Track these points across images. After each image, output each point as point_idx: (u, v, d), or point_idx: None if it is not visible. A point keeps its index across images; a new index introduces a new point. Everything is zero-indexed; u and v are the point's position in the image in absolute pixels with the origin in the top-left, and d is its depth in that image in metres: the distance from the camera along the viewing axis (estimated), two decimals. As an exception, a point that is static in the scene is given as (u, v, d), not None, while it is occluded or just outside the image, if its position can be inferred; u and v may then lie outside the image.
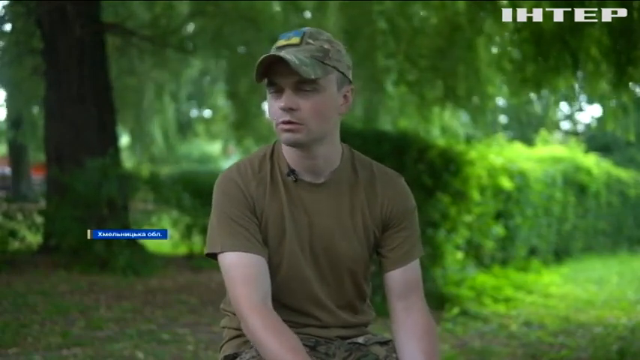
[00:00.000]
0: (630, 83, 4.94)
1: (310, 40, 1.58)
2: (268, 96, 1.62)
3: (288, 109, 1.56)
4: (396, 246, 1.71)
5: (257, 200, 1.65)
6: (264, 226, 1.65)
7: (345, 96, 1.65)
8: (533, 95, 7.09)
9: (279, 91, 1.58)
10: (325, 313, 1.71)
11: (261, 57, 1.54)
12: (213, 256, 1.66)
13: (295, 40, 1.58)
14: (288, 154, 1.67)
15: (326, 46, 1.59)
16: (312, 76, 1.54)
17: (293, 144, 1.60)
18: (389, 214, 1.71)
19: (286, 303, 1.69)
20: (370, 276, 1.80)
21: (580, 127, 25.14)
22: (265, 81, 1.60)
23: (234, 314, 1.71)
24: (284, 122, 1.57)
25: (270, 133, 13.85)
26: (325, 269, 1.69)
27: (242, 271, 1.59)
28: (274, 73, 1.56)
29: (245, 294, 1.58)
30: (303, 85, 1.56)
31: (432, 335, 1.66)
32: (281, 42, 1.60)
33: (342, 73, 1.62)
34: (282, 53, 1.55)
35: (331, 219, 1.68)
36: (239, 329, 1.71)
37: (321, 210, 1.68)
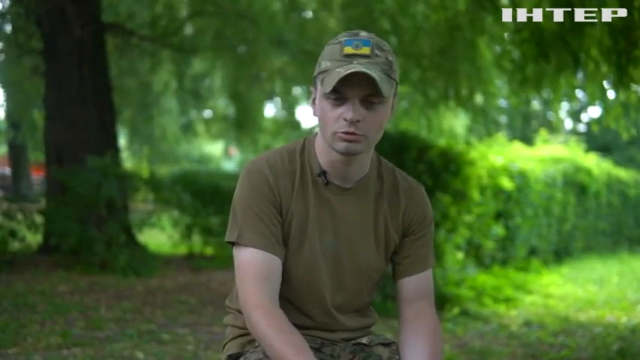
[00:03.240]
0: (631, 84, 4.93)
1: (378, 52, 1.55)
2: (324, 102, 1.57)
3: (355, 121, 1.55)
4: (411, 254, 1.72)
5: (284, 197, 1.64)
6: (288, 225, 1.64)
7: (392, 104, 1.65)
8: (534, 95, 7.09)
9: (341, 100, 1.55)
10: (331, 319, 1.72)
11: (347, 70, 1.50)
12: (231, 243, 1.65)
13: (365, 50, 1.54)
14: (324, 156, 1.65)
15: (390, 58, 1.57)
16: (386, 95, 1.54)
17: (351, 153, 1.59)
18: (409, 222, 1.72)
19: (296, 305, 1.69)
20: None
21: (580, 127, 25.16)
22: (320, 85, 1.57)
23: (239, 312, 1.71)
24: (347, 133, 1.55)
25: (273, 132, 13.88)
26: (345, 275, 1.69)
27: (255, 268, 1.59)
28: (343, 82, 1.53)
29: (253, 290, 1.57)
30: (372, 97, 1.55)
31: (436, 338, 1.67)
32: (349, 49, 1.55)
33: (397, 84, 1.62)
34: (360, 67, 1.51)
35: (356, 225, 1.68)
36: (243, 327, 1.71)
37: (347, 215, 1.67)
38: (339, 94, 1.54)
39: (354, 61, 1.53)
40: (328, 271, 1.67)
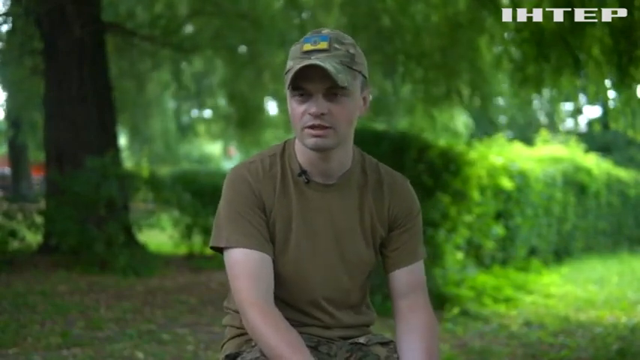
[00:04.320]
0: (633, 84, 4.93)
1: (337, 45, 1.58)
2: (291, 100, 1.60)
3: (319, 115, 1.56)
4: (400, 247, 1.73)
5: (267, 198, 1.66)
6: (272, 225, 1.66)
7: (364, 98, 1.66)
8: (535, 95, 7.09)
9: (306, 96, 1.58)
10: (327, 315, 1.72)
11: (299, 65, 1.53)
12: (218, 250, 1.66)
13: (323, 45, 1.57)
14: (303, 155, 1.67)
15: (351, 50, 1.60)
16: (346, 85, 1.55)
17: (321, 149, 1.60)
18: (395, 216, 1.73)
19: (289, 303, 1.70)
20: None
21: (581, 127, 25.15)
22: (288, 85, 1.59)
23: (236, 312, 1.72)
24: (313, 127, 1.57)
25: (272, 132, 13.88)
26: (334, 270, 1.70)
27: (246, 267, 1.60)
28: (303, 78, 1.56)
29: (247, 288, 1.58)
30: (335, 89, 1.57)
31: (433, 333, 1.68)
32: (307, 46, 1.58)
33: (365, 76, 1.64)
34: (315, 60, 1.54)
35: (341, 220, 1.69)
36: (241, 327, 1.72)
37: (331, 211, 1.69)
38: (302, 90, 1.57)
39: (312, 57, 1.56)
40: (318, 268, 1.69)
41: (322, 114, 1.56)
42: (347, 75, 1.56)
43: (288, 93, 1.62)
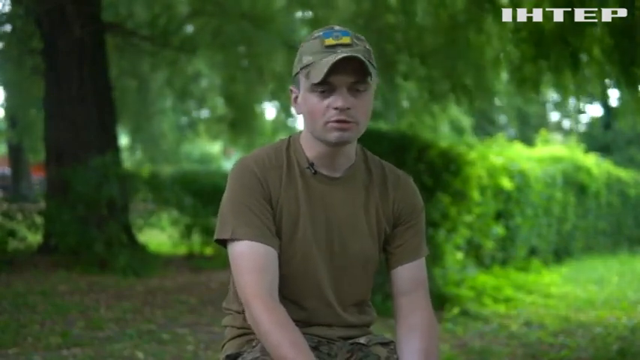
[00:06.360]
0: (636, 83, 4.91)
1: (357, 41, 1.60)
2: (310, 95, 1.60)
3: (345, 109, 1.57)
4: (403, 243, 1.73)
5: (273, 190, 1.65)
6: (279, 216, 1.66)
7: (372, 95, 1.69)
8: (535, 95, 7.09)
9: (329, 90, 1.58)
10: (332, 311, 1.72)
11: (336, 57, 1.53)
12: (222, 243, 1.65)
13: (346, 39, 1.58)
14: (310, 149, 1.68)
15: (367, 47, 1.62)
16: (373, 78, 1.58)
17: (343, 142, 1.62)
18: (399, 212, 1.74)
19: (292, 298, 1.68)
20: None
21: (581, 127, 25.16)
22: (305, 79, 1.60)
23: (237, 312, 1.71)
24: (338, 121, 1.58)
25: (270, 134, 13.85)
26: (339, 264, 1.70)
27: (251, 259, 1.59)
28: (331, 71, 1.56)
29: (251, 282, 1.57)
30: (358, 84, 1.58)
31: (433, 334, 1.67)
32: (330, 41, 1.58)
33: (377, 74, 1.66)
34: (350, 52, 1.55)
35: (346, 213, 1.70)
36: (241, 328, 1.72)
37: (336, 204, 1.69)
38: (326, 84, 1.57)
39: (338, 50, 1.56)
40: (323, 261, 1.68)
41: (348, 108, 1.57)
42: (372, 69, 1.59)
43: (304, 88, 1.62)
